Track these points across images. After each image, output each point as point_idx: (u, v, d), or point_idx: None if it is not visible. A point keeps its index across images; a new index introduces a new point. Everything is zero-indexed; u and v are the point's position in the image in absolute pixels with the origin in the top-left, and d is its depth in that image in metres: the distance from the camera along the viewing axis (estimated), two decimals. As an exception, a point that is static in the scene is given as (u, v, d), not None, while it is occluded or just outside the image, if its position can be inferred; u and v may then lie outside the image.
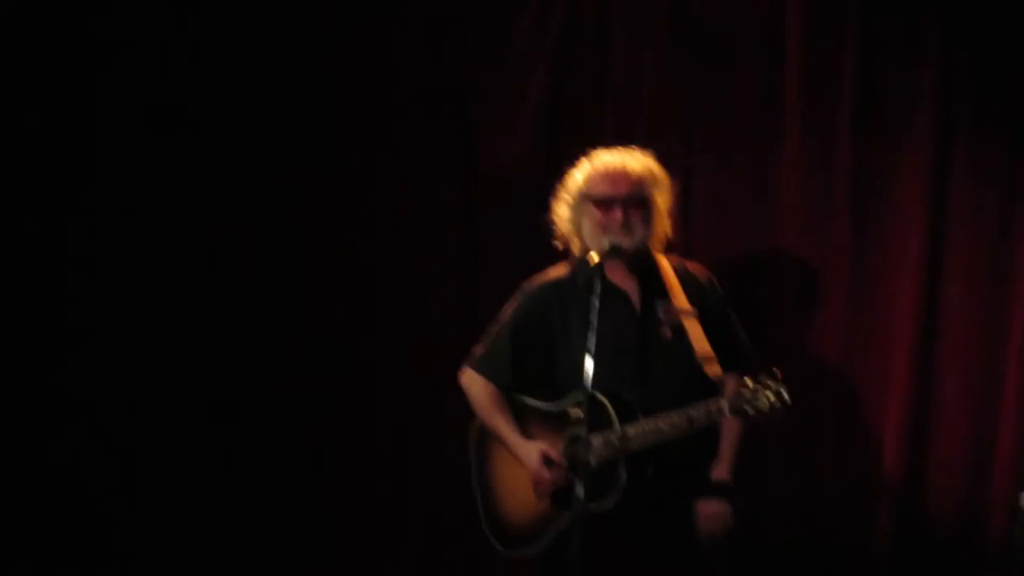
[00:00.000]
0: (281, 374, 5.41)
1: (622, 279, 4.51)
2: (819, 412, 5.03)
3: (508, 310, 4.60)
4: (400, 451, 5.39)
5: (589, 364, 4.08)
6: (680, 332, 4.43)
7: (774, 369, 4.18)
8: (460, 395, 4.67)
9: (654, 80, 5.20)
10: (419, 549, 5.37)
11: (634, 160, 4.53)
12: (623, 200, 4.46)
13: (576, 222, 4.55)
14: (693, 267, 4.62)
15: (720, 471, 4.47)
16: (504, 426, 4.54)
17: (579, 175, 4.55)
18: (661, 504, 4.40)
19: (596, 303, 4.15)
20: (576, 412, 4.29)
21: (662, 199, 4.53)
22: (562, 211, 4.58)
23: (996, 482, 4.85)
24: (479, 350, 4.63)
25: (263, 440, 5.39)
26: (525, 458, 4.46)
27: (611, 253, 4.40)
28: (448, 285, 5.35)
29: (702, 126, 5.18)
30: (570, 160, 4.65)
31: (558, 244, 4.63)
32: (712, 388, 4.37)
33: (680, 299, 4.46)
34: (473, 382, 4.63)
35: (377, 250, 5.40)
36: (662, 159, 4.59)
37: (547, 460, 4.43)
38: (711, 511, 4.43)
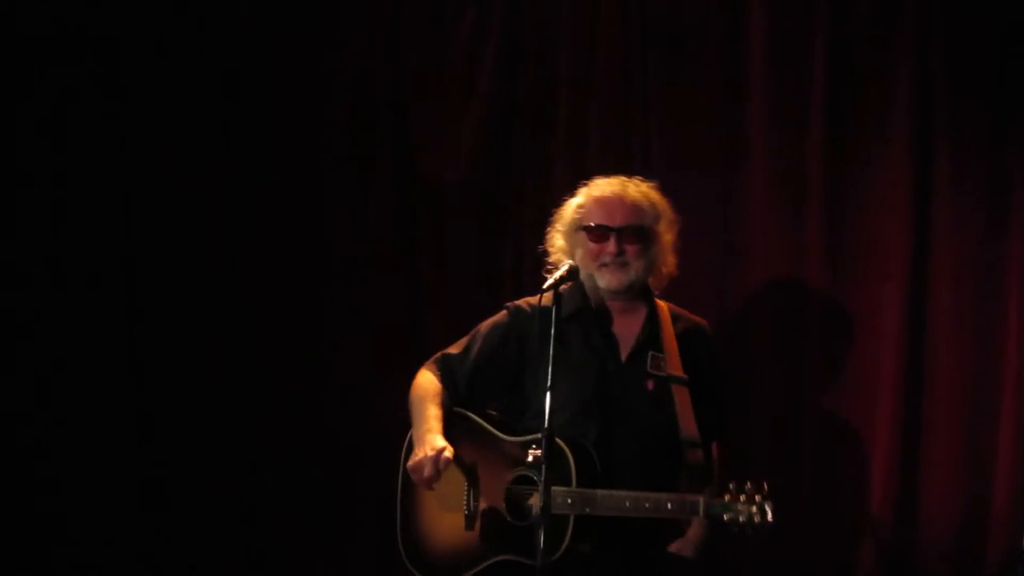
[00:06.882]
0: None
1: (616, 320, 4.28)
2: (800, 453, 4.85)
3: (484, 325, 4.37)
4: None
5: (547, 401, 3.85)
6: (664, 392, 4.20)
7: (763, 483, 3.98)
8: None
9: (605, 98, 5.05)
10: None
11: (634, 189, 4.30)
12: (618, 230, 4.23)
13: (570, 253, 4.31)
14: (698, 320, 4.39)
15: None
16: (427, 412, 4.21)
17: (574, 202, 4.34)
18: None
19: (552, 333, 3.92)
20: (535, 453, 3.99)
21: (665, 233, 4.29)
22: (556, 240, 4.37)
23: (992, 529, 4.62)
24: (443, 352, 4.38)
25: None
26: (427, 444, 4.14)
27: (569, 276, 4.08)
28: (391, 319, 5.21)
29: (660, 132, 5.01)
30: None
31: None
32: (677, 457, 4.13)
33: (674, 361, 4.23)
34: (423, 375, 4.35)
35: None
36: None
37: (438, 459, 4.11)
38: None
